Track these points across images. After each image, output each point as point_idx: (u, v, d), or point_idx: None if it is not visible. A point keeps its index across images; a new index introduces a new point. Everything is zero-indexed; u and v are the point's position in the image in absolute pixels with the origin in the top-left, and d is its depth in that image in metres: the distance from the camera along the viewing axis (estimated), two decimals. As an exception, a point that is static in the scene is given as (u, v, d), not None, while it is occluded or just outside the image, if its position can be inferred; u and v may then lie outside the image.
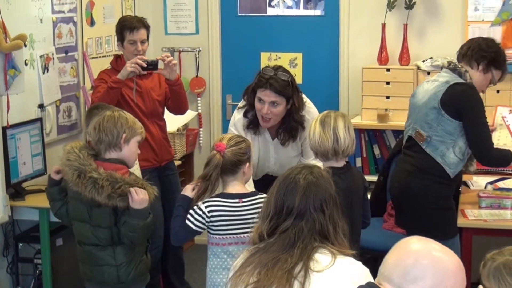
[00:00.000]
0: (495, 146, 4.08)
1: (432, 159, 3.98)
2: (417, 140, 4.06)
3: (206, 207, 3.34)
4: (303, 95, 4.23)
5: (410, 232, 4.05)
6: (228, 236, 3.36)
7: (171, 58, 4.68)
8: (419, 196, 4.04)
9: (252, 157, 4.23)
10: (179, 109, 4.96)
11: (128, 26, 4.73)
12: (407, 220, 4.15)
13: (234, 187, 3.39)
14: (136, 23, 4.75)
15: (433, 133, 3.98)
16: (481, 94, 4.05)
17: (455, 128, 3.94)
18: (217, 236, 3.36)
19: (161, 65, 4.71)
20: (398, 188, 4.19)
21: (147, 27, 4.81)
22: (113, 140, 3.54)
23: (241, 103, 4.23)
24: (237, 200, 3.36)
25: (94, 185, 3.40)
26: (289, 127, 4.12)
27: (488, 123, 4.04)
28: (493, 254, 2.42)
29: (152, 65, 4.59)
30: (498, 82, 4.13)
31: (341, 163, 3.55)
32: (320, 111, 4.44)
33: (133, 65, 4.50)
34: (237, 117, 4.23)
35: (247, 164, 3.40)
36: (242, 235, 3.33)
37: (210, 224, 3.35)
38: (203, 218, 3.34)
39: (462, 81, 3.96)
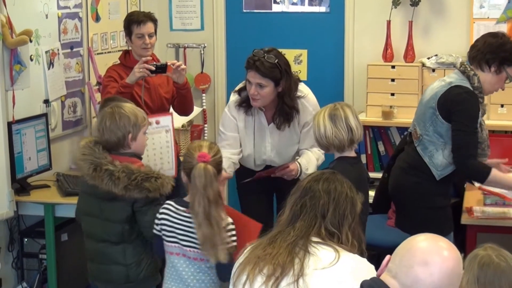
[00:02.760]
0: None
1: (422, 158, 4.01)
2: (413, 137, 4.07)
3: (161, 209, 3.34)
4: (303, 85, 4.28)
5: (407, 230, 4.06)
6: (172, 245, 3.29)
7: (181, 63, 4.68)
8: (410, 193, 4.07)
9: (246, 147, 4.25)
10: (184, 111, 4.99)
11: (135, 20, 4.74)
12: (402, 218, 4.16)
13: None
14: (143, 17, 4.76)
15: (425, 133, 3.99)
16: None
17: (446, 130, 3.92)
18: (165, 242, 3.33)
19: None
20: (392, 185, 4.22)
21: (154, 21, 4.82)
22: (120, 141, 3.53)
23: (238, 87, 4.29)
24: (185, 209, 3.28)
25: (110, 177, 3.39)
26: (282, 110, 4.15)
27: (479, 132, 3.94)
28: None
29: (160, 69, 4.55)
30: None
31: (353, 153, 3.60)
32: (324, 107, 4.47)
33: (141, 70, 4.50)
34: (232, 99, 4.30)
35: (223, 173, 3.34)
36: (185, 248, 3.24)
37: (159, 227, 3.33)
38: (157, 219, 3.35)
39: (465, 84, 3.92)
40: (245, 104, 4.22)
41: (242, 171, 4.32)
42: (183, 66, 4.65)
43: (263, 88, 4.05)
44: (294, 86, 4.15)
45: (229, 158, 4.19)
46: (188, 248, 3.23)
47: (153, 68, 4.52)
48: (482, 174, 3.89)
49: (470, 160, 3.87)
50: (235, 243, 3.18)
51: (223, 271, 3.16)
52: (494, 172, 3.88)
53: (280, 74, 4.05)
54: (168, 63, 4.60)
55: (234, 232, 3.20)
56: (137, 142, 3.57)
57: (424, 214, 3.99)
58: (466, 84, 3.91)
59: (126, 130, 3.52)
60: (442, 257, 2.01)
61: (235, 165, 4.26)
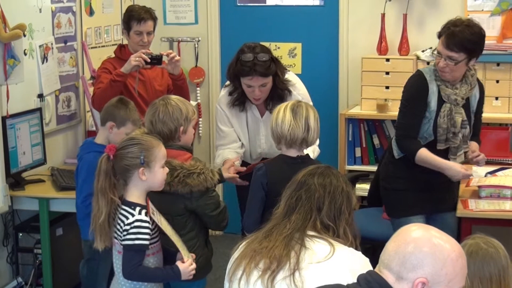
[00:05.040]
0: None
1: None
2: None
3: None
4: (291, 74, 4.30)
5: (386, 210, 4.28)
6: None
7: (175, 54, 4.68)
8: (381, 173, 4.30)
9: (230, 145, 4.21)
10: None
11: (135, 17, 4.73)
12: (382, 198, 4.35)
13: (132, 195, 3.14)
14: (144, 14, 4.74)
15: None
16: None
17: None
18: None
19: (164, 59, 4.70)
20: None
21: (154, 18, 4.81)
22: (172, 134, 3.53)
23: (227, 84, 4.28)
24: None
25: None
26: (276, 95, 4.15)
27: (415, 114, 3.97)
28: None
29: (156, 60, 4.58)
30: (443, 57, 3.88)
31: (295, 153, 3.51)
32: (320, 101, 4.49)
33: (137, 59, 4.50)
34: (222, 93, 4.30)
35: (141, 169, 3.09)
36: (115, 240, 3.15)
37: None
38: None
39: (425, 68, 4.09)
40: (237, 103, 4.21)
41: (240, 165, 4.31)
42: (177, 58, 4.65)
43: (265, 85, 4.06)
44: (282, 68, 4.19)
45: (235, 151, 4.21)
46: (116, 240, 3.15)
47: (149, 60, 4.53)
48: (411, 153, 3.99)
49: (399, 139, 4.03)
50: (141, 242, 3.06)
51: (123, 266, 3.08)
52: (423, 152, 3.95)
53: (275, 66, 4.08)
54: (163, 54, 4.60)
55: (142, 230, 3.07)
56: (186, 135, 3.58)
57: (385, 194, 4.20)
58: (430, 67, 4.03)
59: (178, 123, 3.53)
60: (435, 245, 2.00)
61: (241, 156, 4.26)
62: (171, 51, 4.78)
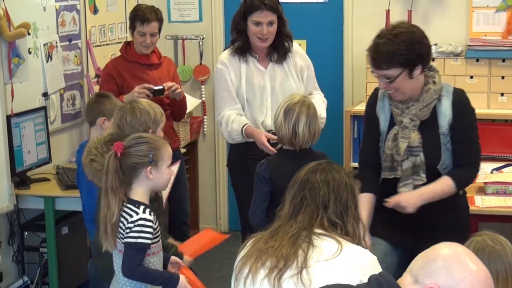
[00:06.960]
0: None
1: None
2: None
3: None
4: None
5: None
6: None
7: (176, 86, 4.71)
8: None
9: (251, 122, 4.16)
10: (177, 119, 5.09)
11: (140, 17, 4.72)
12: None
13: (137, 194, 3.08)
14: (149, 14, 4.72)
15: None
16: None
17: None
18: None
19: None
20: None
21: (160, 20, 4.80)
22: None
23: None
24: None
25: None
26: (281, 43, 4.25)
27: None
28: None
29: (158, 92, 4.64)
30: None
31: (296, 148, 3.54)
32: (325, 98, 4.47)
33: (141, 94, 4.54)
34: (222, 53, 4.40)
35: (149, 167, 3.03)
36: (117, 238, 3.08)
37: None
38: None
39: None
40: (240, 51, 4.25)
41: (234, 154, 4.31)
42: (179, 90, 4.70)
43: (272, 25, 4.17)
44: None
45: (239, 113, 4.20)
46: (118, 239, 3.09)
47: (151, 95, 4.58)
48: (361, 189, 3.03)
49: (361, 165, 3.57)
50: (143, 240, 3.00)
51: (124, 264, 3.03)
52: (363, 199, 3.17)
53: (281, 7, 4.22)
54: (165, 87, 4.62)
55: (146, 229, 3.01)
56: None
57: None
58: None
59: (146, 126, 3.51)
60: (459, 261, 1.95)
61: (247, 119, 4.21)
62: (171, 83, 4.73)
